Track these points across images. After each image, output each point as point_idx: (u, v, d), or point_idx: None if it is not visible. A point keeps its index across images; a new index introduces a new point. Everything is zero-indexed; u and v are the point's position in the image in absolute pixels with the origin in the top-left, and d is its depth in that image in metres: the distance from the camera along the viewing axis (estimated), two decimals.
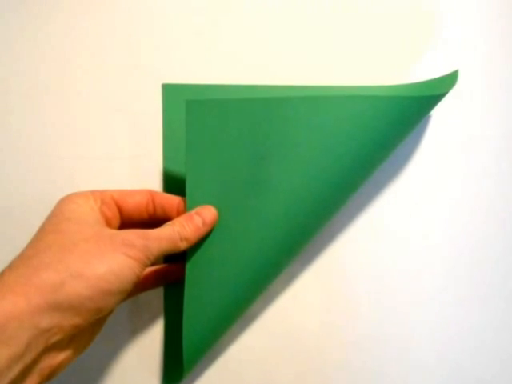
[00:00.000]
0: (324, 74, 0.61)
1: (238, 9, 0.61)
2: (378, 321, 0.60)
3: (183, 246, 0.49)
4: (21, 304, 0.38)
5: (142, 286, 0.54)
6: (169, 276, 0.57)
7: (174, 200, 0.53)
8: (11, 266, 0.41)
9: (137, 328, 0.59)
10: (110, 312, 0.48)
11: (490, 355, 0.60)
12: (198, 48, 0.61)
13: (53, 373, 0.43)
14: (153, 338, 0.59)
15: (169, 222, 0.49)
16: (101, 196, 0.50)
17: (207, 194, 0.52)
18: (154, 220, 0.52)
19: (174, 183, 0.59)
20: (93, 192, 0.50)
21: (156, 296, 0.59)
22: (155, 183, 0.59)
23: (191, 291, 0.51)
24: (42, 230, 0.45)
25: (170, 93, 0.60)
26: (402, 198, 0.61)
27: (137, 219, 0.52)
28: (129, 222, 0.52)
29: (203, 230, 0.50)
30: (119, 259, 0.43)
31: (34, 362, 0.40)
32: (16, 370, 0.38)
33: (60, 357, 0.43)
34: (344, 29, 0.62)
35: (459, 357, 0.60)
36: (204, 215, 0.50)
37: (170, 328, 0.59)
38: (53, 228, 0.44)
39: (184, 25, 0.61)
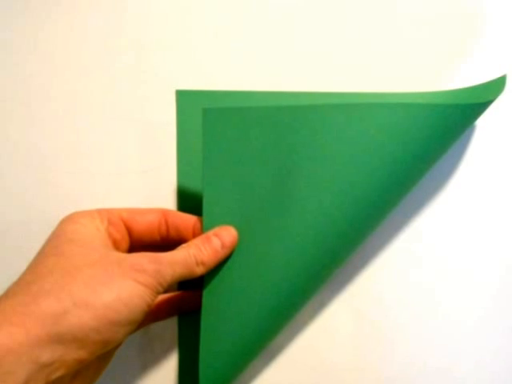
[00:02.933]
0: (356, 79, 0.61)
1: (257, 8, 0.61)
2: (416, 354, 0.59)
3: (200, 271, 0.48)
4: (19, 336, 0.38)
5: (153, 315, 0.54)
6: (183, 304, 0.56)
7: (189, 220, 0.53)
8: (8, 293, 0.41)
9: (148, 362, 0.58)
10: (118, 345, 0.48)
11: None
12: (215, 50, 0.61)
13: None
14: (166, 374, 0.58)
15: (183, 245, 0.49)
16: (108, 215, 0.49)
17: (226, 212, 0.52)
18: (166, 242, 0.52)
19: (189, 201, 0.59)
20: (99, 211, 0.50)
21: (169, 327, 0.58)
22: (168, 201, 0.59)
23: (208, 321, 0.51)
24: (43, 253, 0.45)
25: (185, 100, 0.60)
26: (443, 217, 0.60)
27: (148, 241, 0.52)
28: (139, 244, 0.52)
29: (222, 254, 0.50)
30: (128, 286, 0.42)
31: None
32: None
33: None
34: (380, 29, 0.61)
35: None
36: (223, 237, 0.50)
37: (185, 362, 0.58)
38: (54, 251, 0.44)
39: (199, 25, 0.61)
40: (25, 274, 0.43)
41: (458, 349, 0.59)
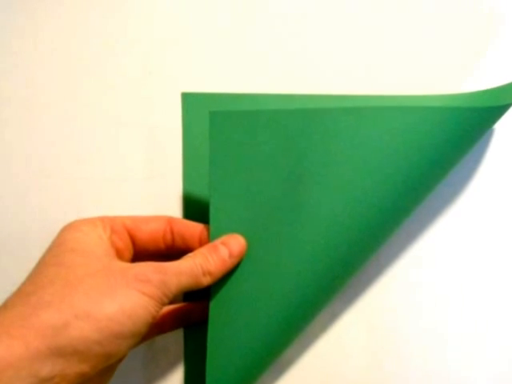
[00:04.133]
0: (369, 81, 0.60)
1: (265, 9, 0.61)
2: (430, 366, 0.59)
3: (206, 281, 0.48)
4: (18, 349, 0.37)
5: (158, 327, 0.54)
6: (189, 316, 0.56)
7: (195, 228, 0.52)
8: (7, 305, 0.41)
9: (152, 377, 0.58)
10: (122, 358, 0.48)
11: None
12: (222, 52, 0.61)
13: None
14: None
15: (190, 254, 0.49)
16: (111, 223, 0.49)
17: (234, 220, 0.51)
18: (172, 251, 0.52)
19: (195, 208, 0.59)
20: (101, 218, 0.49)
21: (174, 339, 0.58)
22: (174, 208, 0.59)
23: (215, 334, 0.50)
24: (43, 263, 0.44)
25: (191, 103, 0.60)
26: (459, 226, 0.60)
27: (152, 250, 0.52)
28: (143, 253, 0.52)
29: (229, 263, 0.49)
30: (132, 297, 0.42)
31: None
32: None
33: None
34: (393, 30, 0.61)
35: None
36: (230, 246, 0.50)
37: (191, 377, 0.58)
38: (55, 260, 0.44)
39: (205, 27, 0.61)
40: (24, 284, 0.43)
41: (474, 361, 0.58)
